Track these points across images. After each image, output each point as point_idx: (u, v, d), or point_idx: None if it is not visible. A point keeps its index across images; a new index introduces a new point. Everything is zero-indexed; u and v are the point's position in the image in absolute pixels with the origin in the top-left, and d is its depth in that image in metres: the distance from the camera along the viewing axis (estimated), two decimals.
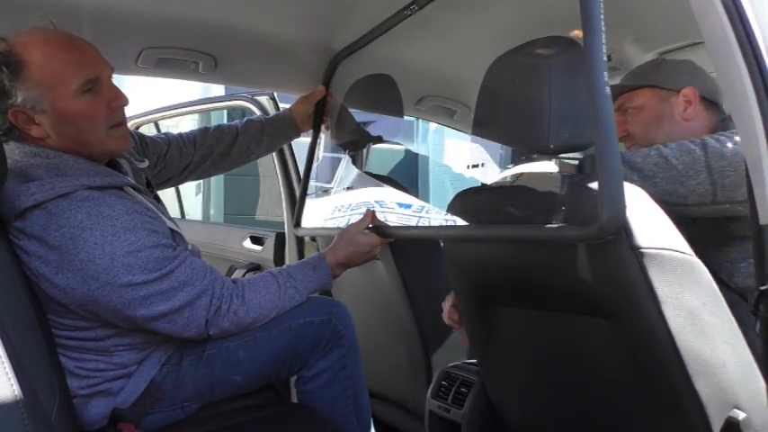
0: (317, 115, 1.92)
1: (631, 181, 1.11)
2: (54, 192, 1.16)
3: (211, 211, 7.70)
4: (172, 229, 1.32)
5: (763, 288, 0.78)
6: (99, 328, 1.24)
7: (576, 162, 1.33)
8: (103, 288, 1.16)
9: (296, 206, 2.04)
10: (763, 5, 0.80)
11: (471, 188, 1.21)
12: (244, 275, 2.53)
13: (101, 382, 1.27)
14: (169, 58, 1.77)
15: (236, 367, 1.36)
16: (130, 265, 1.17)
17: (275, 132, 1.85)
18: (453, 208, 1.22)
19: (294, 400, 1.55)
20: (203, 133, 1.75)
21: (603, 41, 0.81)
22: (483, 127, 1.16)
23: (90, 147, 1.26)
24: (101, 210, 1.17)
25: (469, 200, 1.19)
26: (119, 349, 1.27)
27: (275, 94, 2.36)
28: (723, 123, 1.41)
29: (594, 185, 0.86)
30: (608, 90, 0.80)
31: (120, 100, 1.28)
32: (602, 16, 0.81)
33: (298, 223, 2.02)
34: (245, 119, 1.84)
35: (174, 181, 1.77)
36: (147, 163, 1.52)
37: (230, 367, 1.35)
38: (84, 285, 1.16)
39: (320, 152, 2.27)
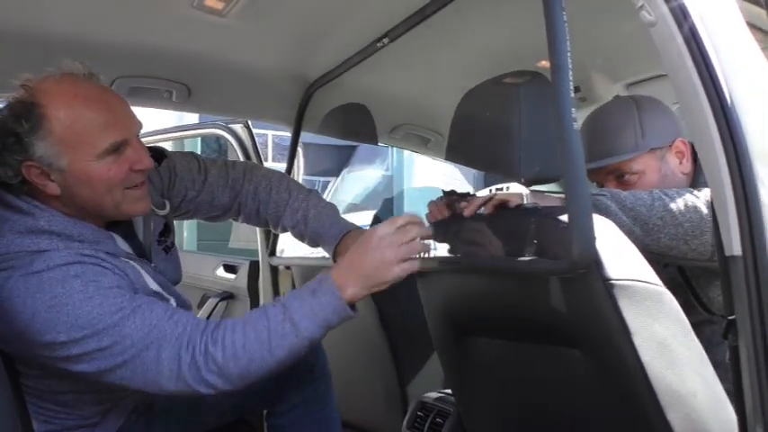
0: (293, 140, 1.92)
1: (631, 232, 1.09)
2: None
3: (185, 237, 7.61)
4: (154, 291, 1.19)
5: (730, 318, 0.80)
6: (55, 379, 1.16)
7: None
8: (30, 347, 1.04)
9: (270, 234, 2.03)
10: (720, 37, 0.83)
11: (445, 218, 1.22)
12: (216, 304, 2.50)
13: (61, 430, 1.21)
14: (142, 87, 1.76)
15: (209, 408, 1.33)
16: (53, 321, 1.02)
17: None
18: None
19: None
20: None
21: (571, 78, 0.83)
22: (455, 158, 1.17)
23: (104, 209, 1.16)
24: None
25: (443, 229, 1.19)
26: (79, 404, 1.21)
27: (250, 123, 2.36)
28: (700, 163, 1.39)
29: (565, 218, 0.88)
30: (576, 126, 0.82)
31: (143, 163, 1.16)
32: (568, 54, 0.83)
33: (272, 252, 2.00)
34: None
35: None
36: (167, 209, 1.39)
37: (204, 408, 1.32)
38: (14, 339, 1.05)
39: (299, 176, 2.27)
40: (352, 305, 1.09)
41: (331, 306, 1.07)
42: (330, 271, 1.10)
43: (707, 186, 1.31)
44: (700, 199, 1.12)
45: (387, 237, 1.07)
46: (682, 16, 0.80)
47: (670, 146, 1.36)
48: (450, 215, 1.20)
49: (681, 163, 1.37)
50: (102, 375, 1.06)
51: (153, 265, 1.26)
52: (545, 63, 0.87)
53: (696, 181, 1.36)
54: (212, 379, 1.06)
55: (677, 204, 1.11)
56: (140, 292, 1.14)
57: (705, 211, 1.10)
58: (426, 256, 1.12)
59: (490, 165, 1.08)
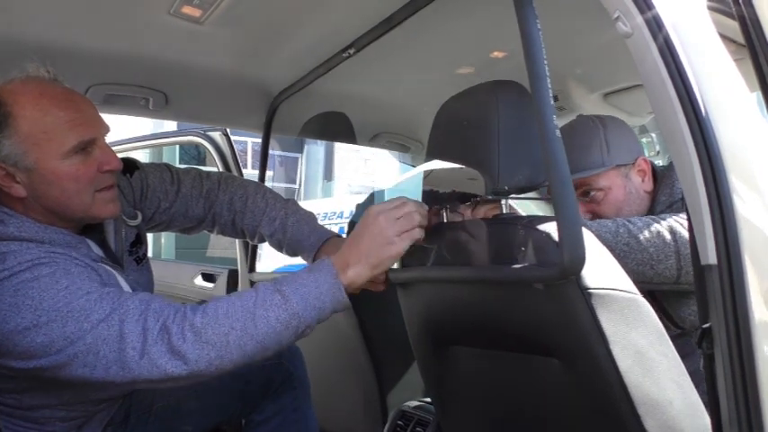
0: (263, 147, 1.91)
1: None
2: None
3: (162, 245, 7.54)
4: None
5: (704, 326, 0.80)
6: (25, 394, 1.13)
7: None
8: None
9: (249, 246, 2.00)
10: (694, 49, 0.84)
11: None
12: None
13: None
14: (118, 94, 1.74)
15: (187, 417, 1.31)
16: (17, 305, 0.99)
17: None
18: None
19: None
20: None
21: (550, 86, 0.84)
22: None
23: (73, 211, 1.14)
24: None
25: (427, 237, 1.19)
26: (51, 420, 1.17)
27: (228, 130, 2.35)
28: (660, 182, 1.40)
29: (546, 227, 0.88)
30: (558, 134, 0.82)
31: (111, 164, 1.15)
32: (545, 61, 0.84)
33: (252, 268, 1.97)
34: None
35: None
36: (139, 220, 1.37)
37: (181, 418, 1.30)
38: None
39: (271, 185, 2.26)
40: (350, 297, 1.07)
41: (327, 284, 1.03)
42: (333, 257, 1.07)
43: (667, 204, 1.35)
44: (662, 225, 1.13)
45: (383, 212, 1.05)
46: (656, 28, 0.81)
47: (633, 164, 1.40)
48: (434, 223, 1.20)
49: (643, 181, 1.40)
50: (64, 367, 0.99)
51: (125, 275, 1.24)
52: (498, 53, 0.86)
53: (657, 200, 1.39)
54: (184, 349, 0.97)
55: (641, 230, 1.13)
56: None
57: (668, 236, 1.12)
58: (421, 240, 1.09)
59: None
